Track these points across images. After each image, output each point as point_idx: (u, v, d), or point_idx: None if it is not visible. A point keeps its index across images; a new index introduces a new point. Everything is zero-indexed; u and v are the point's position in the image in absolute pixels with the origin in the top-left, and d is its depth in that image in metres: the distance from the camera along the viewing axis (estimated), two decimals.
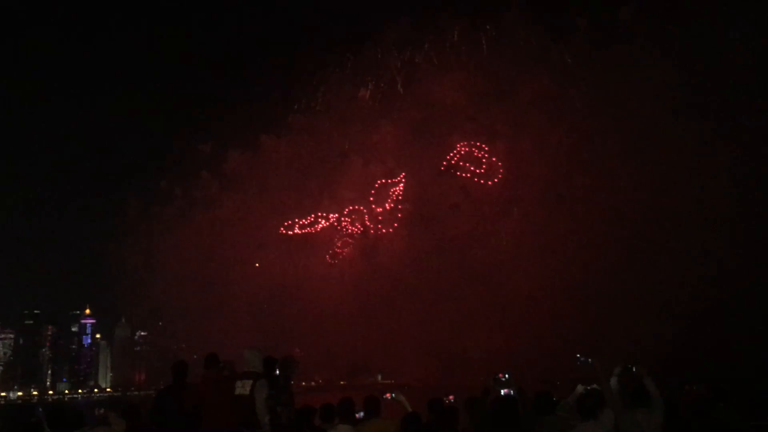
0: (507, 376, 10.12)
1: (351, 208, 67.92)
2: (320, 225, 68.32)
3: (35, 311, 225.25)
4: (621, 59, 57.60)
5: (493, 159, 63.52)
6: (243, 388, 9.48)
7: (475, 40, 66.56)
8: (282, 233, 68.79)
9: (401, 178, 66.30)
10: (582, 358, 8.16)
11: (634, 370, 8.57)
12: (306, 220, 68.29)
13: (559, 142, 59.19)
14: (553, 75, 61.45)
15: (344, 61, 71.85)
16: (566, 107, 60.50)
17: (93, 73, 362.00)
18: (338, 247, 67.85)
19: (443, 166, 64.50)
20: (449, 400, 9.26)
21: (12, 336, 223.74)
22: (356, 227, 67.51)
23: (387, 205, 66.16)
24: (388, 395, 9.18)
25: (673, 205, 52.82)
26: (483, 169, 63.51)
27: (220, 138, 76.60)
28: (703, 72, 53.08)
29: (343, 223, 67.72)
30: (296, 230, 68.32)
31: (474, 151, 64.14)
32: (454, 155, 64.37)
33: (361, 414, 8.43)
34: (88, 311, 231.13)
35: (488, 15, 66.89)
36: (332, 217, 68.11)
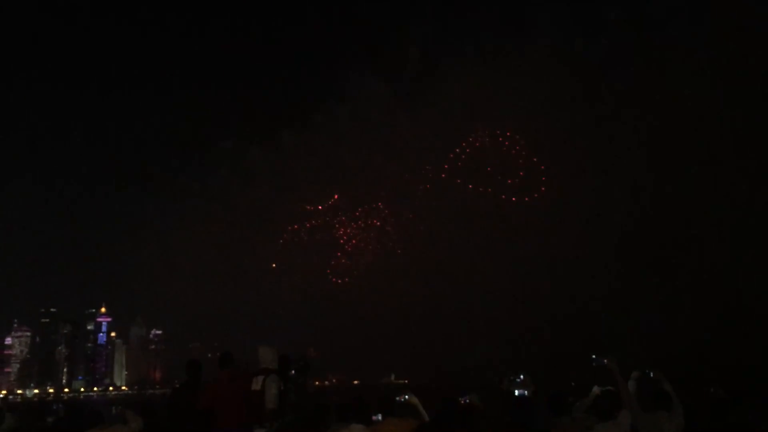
0: (522, 376, 10.09)
1: (373, 206, 67.41)
2: (340, 230, 67.84)
3: (51, 309, 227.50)
4: (650, 53, 56.77)
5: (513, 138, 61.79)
6: (256, 383, 9.58)
7: (500, 36, 65.41)
8: (286, 238, 68.38)
9: (424, 173, 65.07)
10: (597, 359, 8.08)
11: (651, 375, 8.52)
12: (319, 221, 67.99)
13: (580, 141, 58.22)
14: (579, 69, 60.11)
15: (367, 58, 71.18)
16: (590, 102, 59.37)
17: (112, 69, 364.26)
18: (350, 244, 67.24)
19: (461, 159, 63.11)
20: (465, 401, 9.23)
21: (29, 334, 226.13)
22: (374, 224, 67.00)
23: (409, 204, 65.42)
24: (401, 397, 9.15)
25: (700, 205, 52.10)
26: (518, 179, 61.42)
27: (242, 134, 76.54)
28: (733, 73, 52.19)
29: (360, 222, 67.34)
30: (303, 236, 67.99)
31: (501, 141, 62.52)
32: (467, 148, 63.20)
33: (379, 416, 8.41)
34: (103, 310, 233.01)
35: (515, 11, 65.91)
36: (355, 213, 67.49)
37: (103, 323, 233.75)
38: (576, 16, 61.80)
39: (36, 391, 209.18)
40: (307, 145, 70.93)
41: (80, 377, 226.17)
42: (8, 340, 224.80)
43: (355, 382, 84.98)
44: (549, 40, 62.00)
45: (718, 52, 52.86)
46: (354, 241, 67.91)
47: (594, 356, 8.17)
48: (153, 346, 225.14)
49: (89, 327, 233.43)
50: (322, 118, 71.44)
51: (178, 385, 10.90)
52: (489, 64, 66.04)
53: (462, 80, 66.57)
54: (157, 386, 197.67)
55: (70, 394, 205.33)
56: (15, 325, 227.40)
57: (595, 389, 9.08)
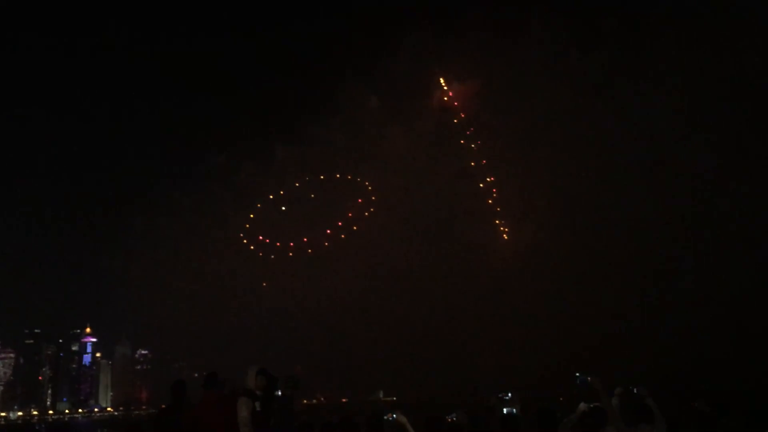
0: (510, 394, 10.13)
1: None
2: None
3: (35, 330, 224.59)
4: (645, 68, 57.13)
5: None
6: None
7: (494, 49, 65.41)
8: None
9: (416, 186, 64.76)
10: (581, 377, 8.14)
11: (635, 391, 8.60)
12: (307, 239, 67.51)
13: (573, 155, 58.21)
14: (573, 83, 60.08)
15: (361, 71, 70.96)
16: (583, 116, 59.38)
17: (98, 82, 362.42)
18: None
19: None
20: (452, 419, 9.24)
21: (12, 355, 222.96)
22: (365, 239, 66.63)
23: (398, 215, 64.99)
24: (389, 416, 9.14)
25: (685, 224, 52.37)
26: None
27: (234, 148, 76.13)
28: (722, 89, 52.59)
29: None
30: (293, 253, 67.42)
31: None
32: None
33: None
34: (88, 330, 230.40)
35: (510, 25, 65.99)
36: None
37: (88, 344, 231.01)
38: (571, 27, 61.56)
39: (20, 413, 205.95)
40: (300, 159, 70.42)
41: (65, 399, 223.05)
42: None
43: (344, 400, 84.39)
44: (544, 53, 62.13)
45: (713, 59, 53.31)
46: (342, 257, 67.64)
47: (578, 374, 8.23)
48: (139, 366, 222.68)
49: (74, 347, 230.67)
50: (315, 131, 71.01)
51: (163, 407, 10.82)
52: (483, 77, 66.36)
53: (455, 93, 66.84)
54: (144, 407, 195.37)
55: (55, 416, 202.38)
56: None
57: (582, 406, 9.14)
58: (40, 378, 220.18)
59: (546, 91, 61.14)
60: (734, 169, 51.89)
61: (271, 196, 69.18)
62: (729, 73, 53.00)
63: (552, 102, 60.63)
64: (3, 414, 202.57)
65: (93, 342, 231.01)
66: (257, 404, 9.61)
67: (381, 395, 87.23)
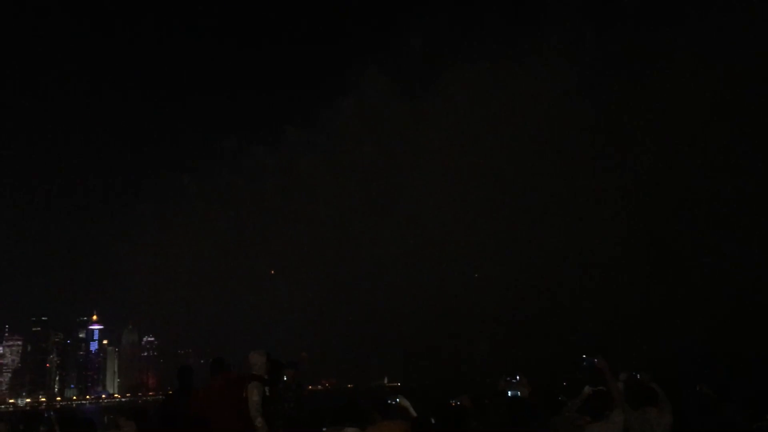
0: (518, 377, 10.15)
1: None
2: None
3: (43, 317, 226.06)
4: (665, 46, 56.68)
5: None
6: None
7: (508, 31, 64.84)
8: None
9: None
10: (588, 359, 8.17)
11: (638, 376, 8.60)
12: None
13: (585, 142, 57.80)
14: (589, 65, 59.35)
15: (371, 51, 70.74)
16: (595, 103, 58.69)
17: (104, 65, 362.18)
18: None
19: None
20: (456, 403, 9.27)
21: (20, 343, 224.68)
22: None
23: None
24: (392, 400, 9.17)
25: (693, 207, 52.18)
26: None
27: (244, 132, 76.34)
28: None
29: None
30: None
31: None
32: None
33: None
34: (95, 317, 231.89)
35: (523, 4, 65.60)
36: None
37: (95, 331, 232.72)
38: (588, 9, 61.23)
39: (28, 400, 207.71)
40: (312, 143, 70.33)
41: (72, 385, 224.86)
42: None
43: (349, 385, 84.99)
44: (559, 36, 61.55)
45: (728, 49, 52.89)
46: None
47: (584, 356, 8.24)
48: (145, 353, 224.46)
49: (81, 335, 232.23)
50: (327, 113, 70.92)
51: (170, 392, 10.87)
52: (494, 60, 65.97)
53: (466, 76, 66.66)
54: (150, 393, 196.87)
55: (63, 403, 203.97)
56: (6, 334, 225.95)
57: (587, 389, 9.12)
58: (47, 365, 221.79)
59: (560, 75, 60.77)
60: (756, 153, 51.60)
61: (279, 181, 69.36)
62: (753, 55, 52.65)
63: (568, 87, 60.19)
64: (11, 401, 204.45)
65: (100, 329, 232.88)
66: (267, 389, 9.63)
67: (385, 381, 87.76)
